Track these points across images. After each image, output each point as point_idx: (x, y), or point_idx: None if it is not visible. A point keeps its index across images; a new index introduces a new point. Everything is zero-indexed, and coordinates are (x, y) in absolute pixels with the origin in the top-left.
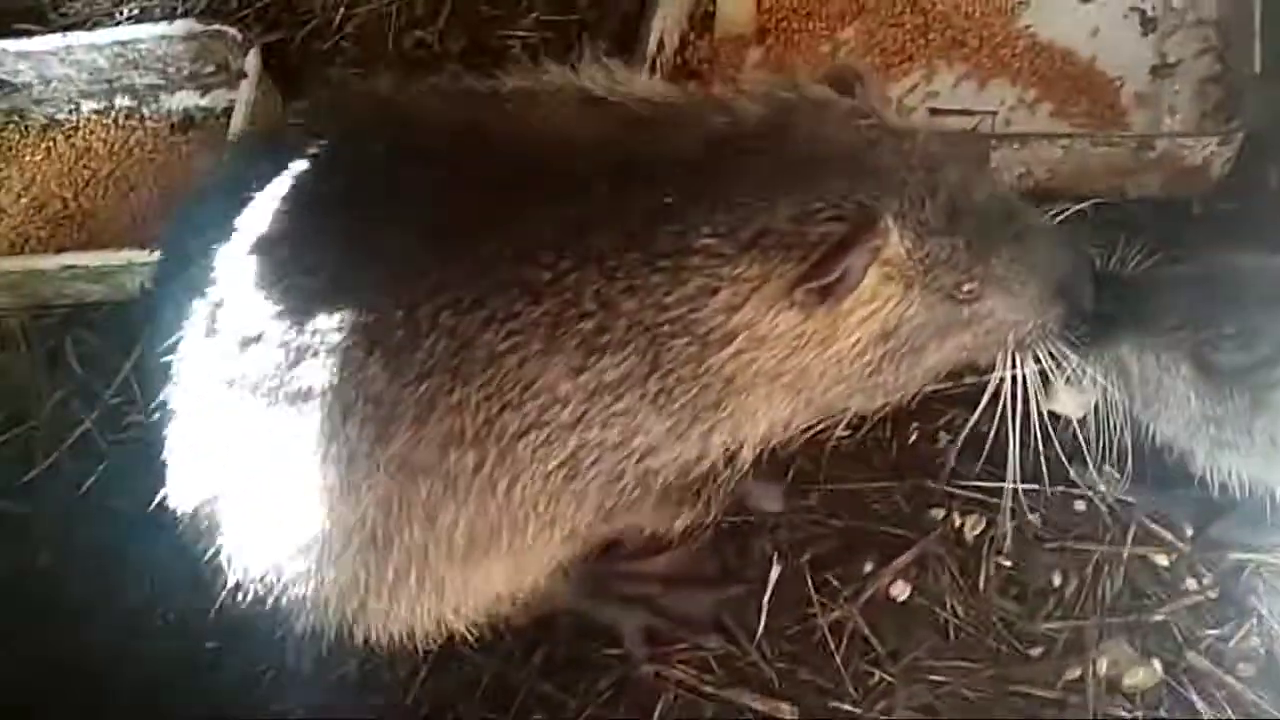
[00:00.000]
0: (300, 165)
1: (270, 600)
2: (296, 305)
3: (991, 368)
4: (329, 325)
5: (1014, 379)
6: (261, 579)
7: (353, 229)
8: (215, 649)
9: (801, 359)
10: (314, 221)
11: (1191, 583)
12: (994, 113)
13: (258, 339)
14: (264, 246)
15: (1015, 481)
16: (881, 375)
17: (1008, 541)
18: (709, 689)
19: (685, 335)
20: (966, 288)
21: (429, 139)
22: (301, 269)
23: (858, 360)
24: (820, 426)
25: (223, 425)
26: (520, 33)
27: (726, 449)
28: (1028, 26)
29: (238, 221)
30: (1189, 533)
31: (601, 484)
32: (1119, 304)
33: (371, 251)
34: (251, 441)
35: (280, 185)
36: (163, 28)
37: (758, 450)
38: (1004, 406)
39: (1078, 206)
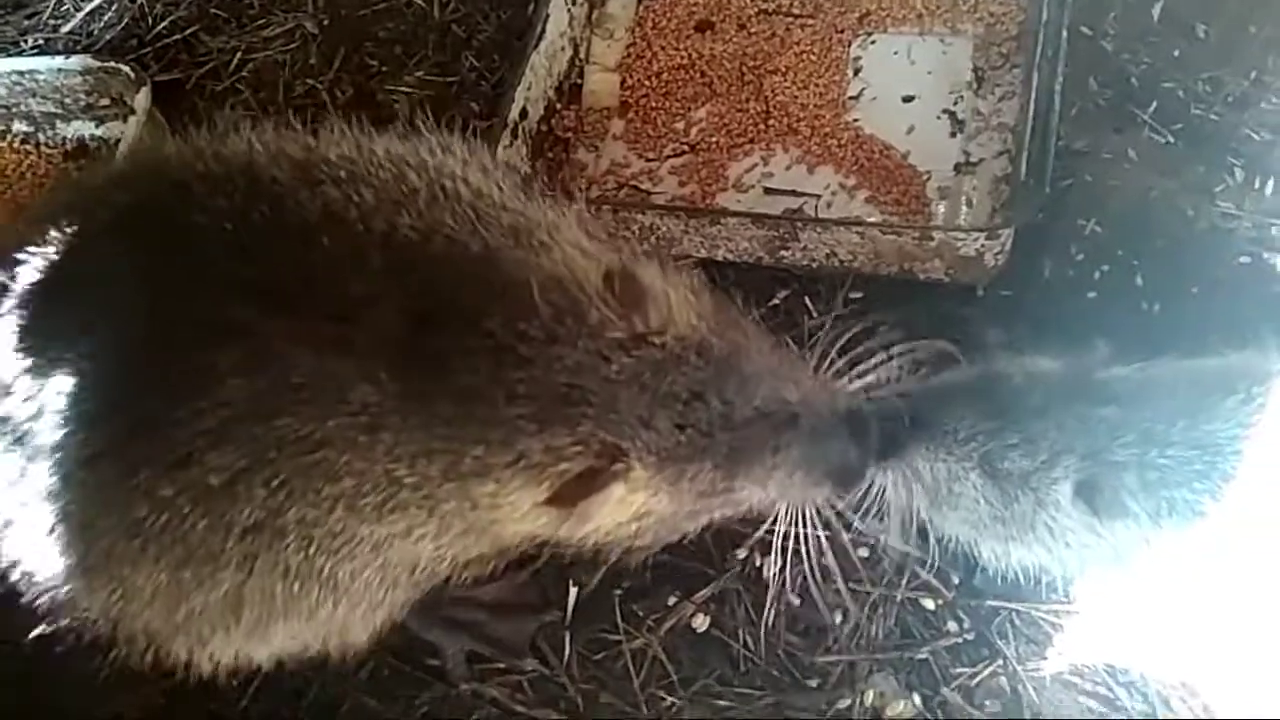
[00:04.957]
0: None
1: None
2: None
3: None
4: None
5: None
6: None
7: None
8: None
9: (548, 531)
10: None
11: (953, 625)
12: (817, 196)
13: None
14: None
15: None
16: (640, 540)
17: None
18: (520, 709)
19: (459, 499)
20: (718, 488)
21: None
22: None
23: (607, 535)
24: None
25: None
26: (404, 89)
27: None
28: (855, 120)
29: None
30: (955, 580)
31: (407, 571)
32: (912, 418)
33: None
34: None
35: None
36: (60, 61)
37: None
38: None
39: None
